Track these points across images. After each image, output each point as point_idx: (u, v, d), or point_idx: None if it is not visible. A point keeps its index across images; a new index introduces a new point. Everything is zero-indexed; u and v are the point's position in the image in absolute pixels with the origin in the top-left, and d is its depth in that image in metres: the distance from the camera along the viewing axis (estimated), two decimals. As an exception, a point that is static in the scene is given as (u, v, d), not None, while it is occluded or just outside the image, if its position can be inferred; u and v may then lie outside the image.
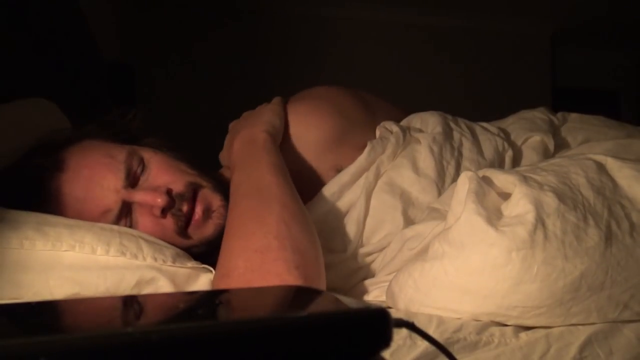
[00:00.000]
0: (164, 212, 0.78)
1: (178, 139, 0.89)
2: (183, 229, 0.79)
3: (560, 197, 0.63)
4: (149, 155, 0.82)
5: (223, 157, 0.97)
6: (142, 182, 0.80)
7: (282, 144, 0.88)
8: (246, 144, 0.84)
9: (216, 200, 0.81)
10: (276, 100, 0.96)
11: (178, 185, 0.80)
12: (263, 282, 0.63)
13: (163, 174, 0.80)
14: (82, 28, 1.54)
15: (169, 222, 0.78)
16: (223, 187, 0.83)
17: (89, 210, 0.76)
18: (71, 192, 0.77)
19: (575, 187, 0.65)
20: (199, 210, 0.79)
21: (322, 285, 0.68)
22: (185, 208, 0.78)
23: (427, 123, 0.96)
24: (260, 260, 0.64)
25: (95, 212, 0.76)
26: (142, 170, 0.80)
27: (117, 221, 0.77)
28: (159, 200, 0.76)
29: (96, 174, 0.77)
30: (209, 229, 0.80)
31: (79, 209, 0.76)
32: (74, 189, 0.77)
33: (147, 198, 0.77)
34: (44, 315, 0.34)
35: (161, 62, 2.79)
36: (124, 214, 0.78)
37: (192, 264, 0.73)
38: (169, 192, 0.78)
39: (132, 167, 0.79)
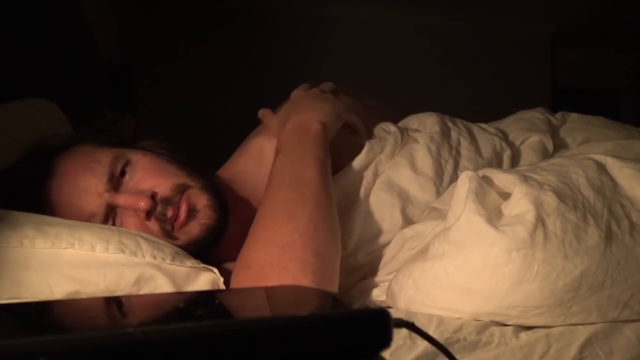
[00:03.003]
0: (149, 215, 0.77)
1: (177, 139, 0.88)
2: (169, 232, 0.78)
3: (560, 196, 0.63)
4: (137, 158, 0.81)
5: (271, 121, 0.91)
6: (128, 185, 0.79)
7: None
8: (297, 130, 0.82)
9: (202, 200, 0.80)
10: (346, 98, 0.94)
11: (164, 188, 0.79)
12: (278, 279, 0.63)
13: (149, 177, 0.80)
14: (82, 28, 1.54)
15: (154, 225, 0.78)
16: (214, 187, 0.82)
17: (75, 216, 0.76)
18: (59, 199, 0.77)
19: (575, 186, 0.65)
20: (182, 211, 0.78)
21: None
22: (170, 213, 0.78)
23: (425, 123, 0.96)
24: (280, 257, 0.65)
25: (82, 217, 0.76)
26: (128, 173, 0.79)
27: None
28: (142, 203, 0.76)
29: (80, 179, 0.78)
30: (194, 230, 0.79)
31: (67, 215, 0.76)
32: (61, 195, 0.77)
33: (130, 201, 0.77)
34: (44, 315, 0.34)
35: (161, 62, 2.79)
36: (110, 218, 0.78)
37: (191, 262, 0.73)
38: (153, 196, 0.77)
39: (116, 170, 0.79)
